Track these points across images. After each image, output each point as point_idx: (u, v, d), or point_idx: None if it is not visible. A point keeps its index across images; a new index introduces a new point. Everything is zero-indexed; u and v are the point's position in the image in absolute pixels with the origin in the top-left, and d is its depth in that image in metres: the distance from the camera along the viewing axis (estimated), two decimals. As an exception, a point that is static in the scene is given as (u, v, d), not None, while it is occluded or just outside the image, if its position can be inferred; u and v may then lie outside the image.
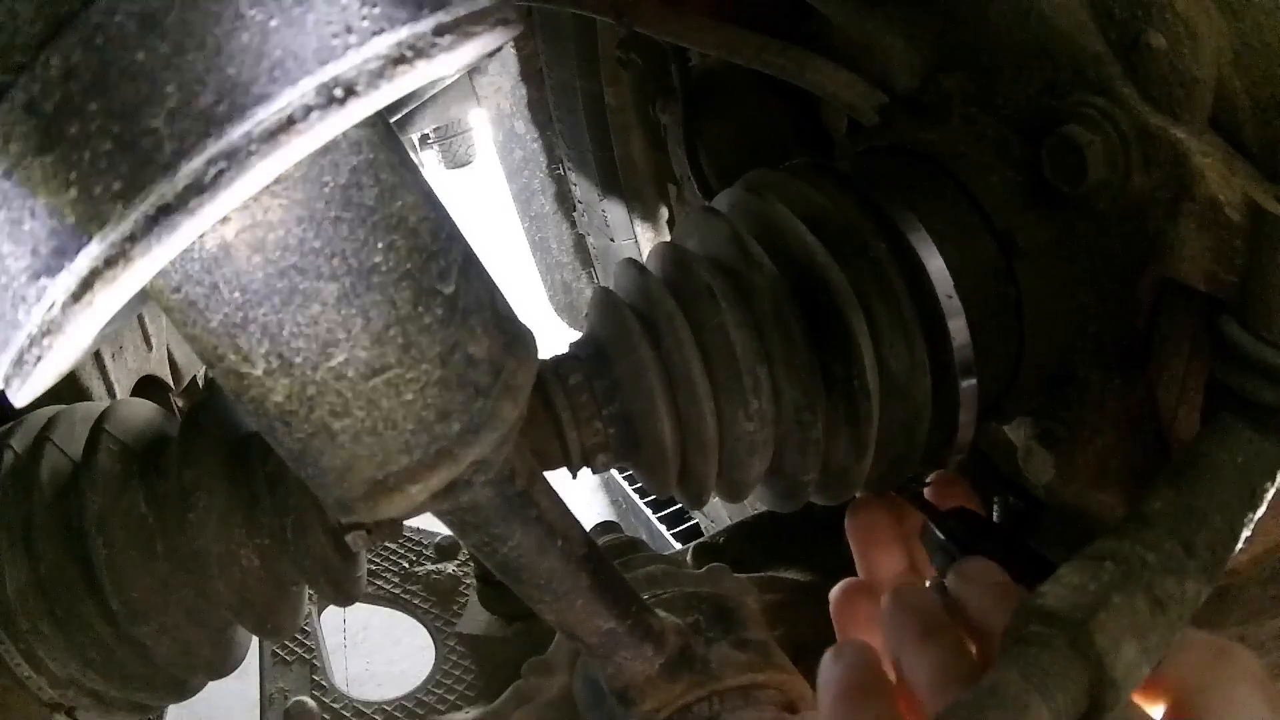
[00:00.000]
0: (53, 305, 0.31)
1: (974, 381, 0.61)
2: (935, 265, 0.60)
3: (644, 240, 1.44)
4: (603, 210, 1.43)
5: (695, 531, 1.88)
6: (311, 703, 0.94)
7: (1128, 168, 0.56)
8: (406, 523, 0.45)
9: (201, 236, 0.34)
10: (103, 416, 0.63)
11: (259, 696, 0.99)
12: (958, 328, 0.59)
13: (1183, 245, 0.56)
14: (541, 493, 0.48)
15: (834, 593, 0.65)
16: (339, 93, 0.31)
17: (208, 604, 0.61)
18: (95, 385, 0.96)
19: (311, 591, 0.63)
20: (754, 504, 1.28)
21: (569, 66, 1.30)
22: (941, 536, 0.62)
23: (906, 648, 0.51)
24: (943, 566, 0.62)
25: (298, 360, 0.37)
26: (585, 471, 0.61)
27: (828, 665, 0.51)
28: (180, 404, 1.14)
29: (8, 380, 0.34)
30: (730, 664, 0.56)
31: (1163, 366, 0.62)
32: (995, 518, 0.81)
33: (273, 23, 0.31)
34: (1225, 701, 0.44)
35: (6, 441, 0.63)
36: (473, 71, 1.47)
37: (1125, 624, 0.43)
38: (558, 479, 0.54)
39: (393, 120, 0.51)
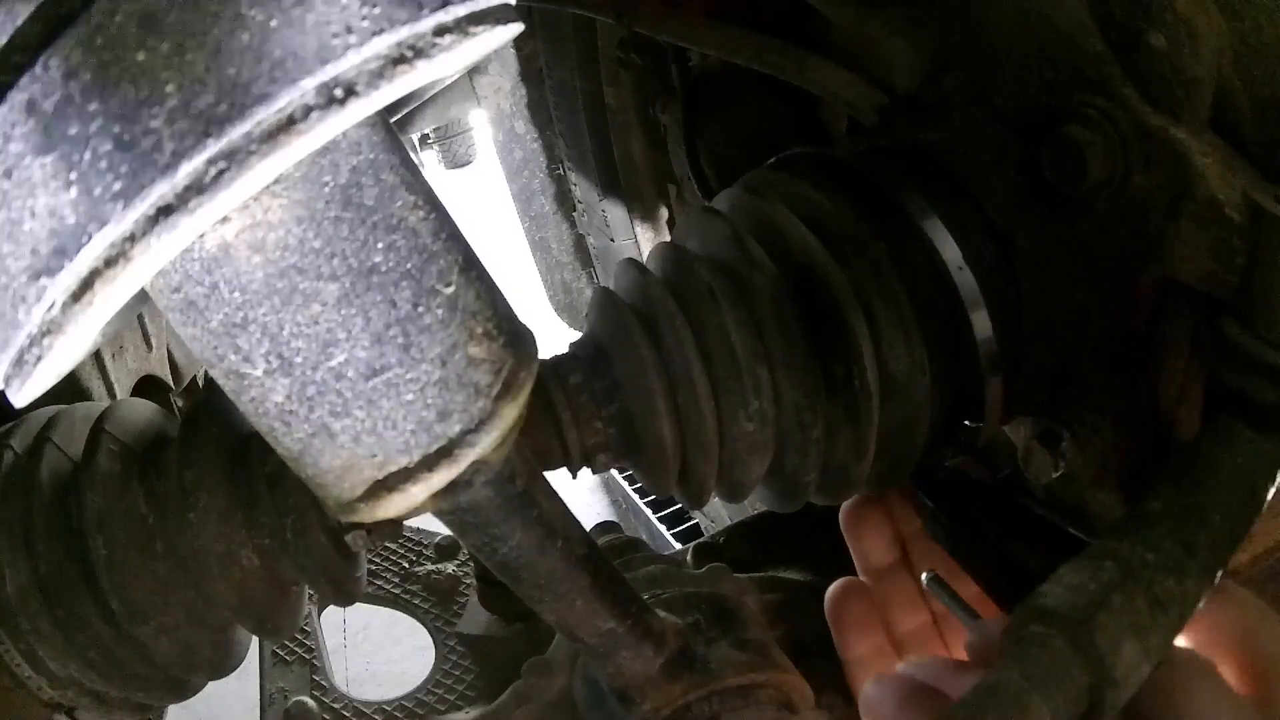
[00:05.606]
0: (53, 305, 0.31)
1: (999, 379, 0.61)
2: (951, 255, 0.60)
3: (644, 240, 1.44)
4: (603, 210, 1.43)
5: (695, 531, 1.88)
6: (311, 703, 0.94)
7: (1128, 168, 0.56)
8: (406, 523, 0.45)
9: (201, 236, 0.34)
10: (103, 416, 0.63)
11: (259, 696, 0.99)
12: (980, 321, 0.60)
13: (1183, 245, 0.56)
14: (542, 493, 0.48)
15: (830, 592, 0.66)
16: (339, 93, 0.31)
17: (208, 604, 0.60)
18: (95, 385, 0.96)
19: (311, 591, 0.63)
20: (754, 504, 1.28)
21: (569, 66, 1.30)
22: (931, 504, 0.63)
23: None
24: (934, 533, 0.63)
25: (298, 360, 0.37)
26: (585, 471, 0.61)
27: (872, 689, 0.54)
28: (180, 404, 1.14)
29: (8, 380, 0.34)
30: (730, 664, 0.56)
31: (1163, 366, 0.62)
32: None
33: (273, 23, 0.31)
34: None
35: (6, 441, 0.63)
36: (473, 71, 1.47)
37: (1126, 624, 0.43)
38: (558, 479, 0.54)
39: (393, 120, 0.51)
